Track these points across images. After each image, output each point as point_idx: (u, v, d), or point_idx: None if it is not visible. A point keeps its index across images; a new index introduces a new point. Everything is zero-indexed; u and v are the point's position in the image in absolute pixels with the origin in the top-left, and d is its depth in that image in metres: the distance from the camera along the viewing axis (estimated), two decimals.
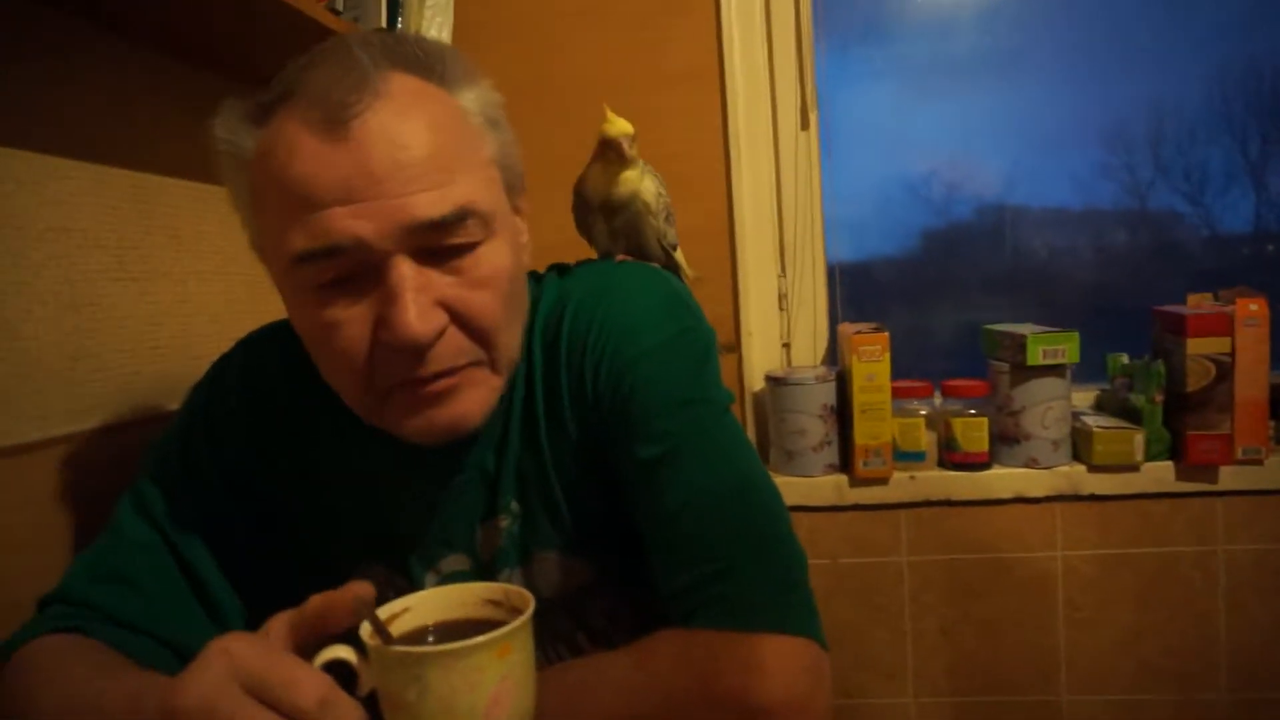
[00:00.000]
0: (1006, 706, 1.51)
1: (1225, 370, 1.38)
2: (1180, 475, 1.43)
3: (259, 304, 1.23)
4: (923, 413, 1.48)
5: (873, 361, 1.43)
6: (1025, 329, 1.44)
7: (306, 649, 0.52)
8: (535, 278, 0.83)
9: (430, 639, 0.56)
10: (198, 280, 1.13)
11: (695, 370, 0.75)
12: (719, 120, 1.55)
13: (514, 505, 0.77)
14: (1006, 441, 1.47)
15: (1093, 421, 1.48)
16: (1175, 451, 1.43)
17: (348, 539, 0.81)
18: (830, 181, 1.67)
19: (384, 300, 0.64)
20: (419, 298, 0.63)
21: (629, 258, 0.90)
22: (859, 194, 1.75)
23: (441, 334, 0.65)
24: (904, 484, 1.48)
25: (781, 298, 1.64)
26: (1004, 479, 1.46)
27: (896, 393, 1.46)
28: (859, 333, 1.44)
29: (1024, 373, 1.42)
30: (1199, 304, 1.46)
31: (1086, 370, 1.55)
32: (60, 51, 0.93)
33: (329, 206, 0.62)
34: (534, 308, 0.79)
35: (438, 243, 0.65)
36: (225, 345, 0.89)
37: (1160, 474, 1.43)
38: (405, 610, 0.57)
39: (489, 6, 1.58)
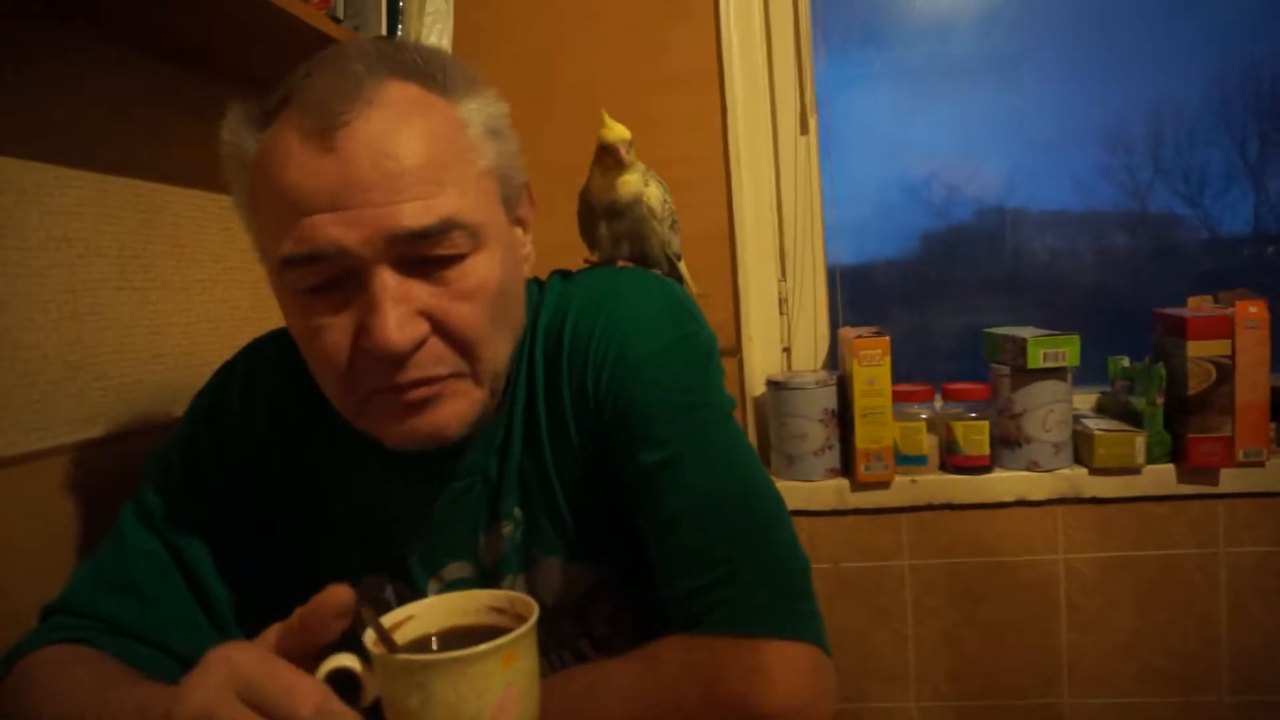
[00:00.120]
0: (1008, 710, 1.51)
1: (1226, 373, 1.38)
2: (1181, 478, 1.43)
3: (261, 312, 1.24)
4: (924, 416, 1.49)
5: (873, 366, 1.43)
6: (1026, 332, 1.45)
7: (296, 658, 0.52)
8: (537, 284, 0.83)
9: (434, 647, 0.56)
10: (200, 289, 1.13)
11: (697, 375, 0.76)
12: (719, 125, 1.56)
13: (517, 512, 0.77)
14: (1008, 445, 1.47)
15: (1094, 424, 1.48)
16: (1176, 454, 1.44)
17: (351, 546, 0.81)
18: (830, 185, 1.67)
19: (365, 308, 0.64)
20: (399, 307, 0.64)
21: (631, 263, 0.90)
22: (859, 197, 1.75)
23: (422, 344, 0.66)
24: (905, 488, 1.48)
25: (782, 302, 1.64)
26: (1005, 482, 1.46)
27: (897, 396, 1.46)
28: (859, 337, 1.44)
29: (1025, 376, 1.43)
30: (1199, 306, 1.46)
31: (1087, 373, 1.55)
32: (62, 60, 0.93)
33: (315, 213, 0.63)
34: (536, 314, 0.79)
35: (422, 253, 0.65)
36: (227, 353, 0.89)
37: (1161, 477, 1.44)
38: (409, 618, 0.57)
39: (489, 12, 1.58)
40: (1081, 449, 1.47)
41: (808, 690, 0.64)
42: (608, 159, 0.86)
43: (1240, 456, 1.40)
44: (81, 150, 0.95)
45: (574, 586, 0.78)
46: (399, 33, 1.16)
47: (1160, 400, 1.42)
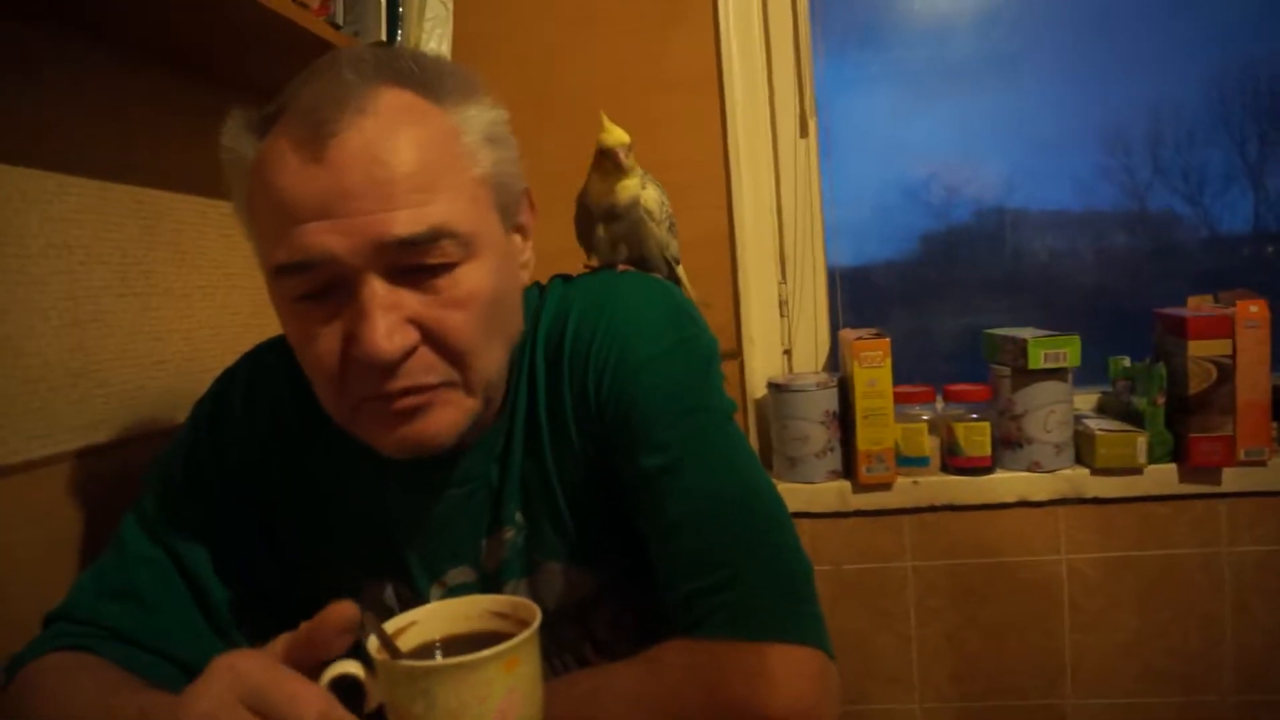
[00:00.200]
0: (1012, 711, 1.51)
1: (1226, 372, 1.38)
2: (1183, 477, 1.43)
3: (262, 318, 1.24)
4: (925, 418, 1.49)
5: (874, 367, 1.43)
6: (1026, 333, 1.45)
7: (302, 669, 0.52)
8: (538, 289, 0.83)
9: (437, 653, 0.56)
10: (201, 295, 1.13)
11: (698, 379, 0.76)
12: (718, 128, 1.56)
13: (518, 516, 0.77)
14: (1009, 445, 1.47)
15: (1095, 424, 1.48)
16: (1177, 454, 1.44)
17: (353, 552, 0.81)
18: (830, 186, 1.67)
19: (355, 316, 0.64)
20: (388, 315, 0.64)
21: (631, 268, 0.90)
22: (859, 198, 1.75)
23: (412, 352, 0.66)
24: (907, 489, 1.48)
25: (782, 304, 1.64)
26: (1007, 483, 1.46)
27: (898, 398, 1.46)
28: (860, 339, 1.44)
29: (1025, 376, 1.43)
30: (1199, 306, 1.46)
31: (1088, 373, 1.55)
32: (63, 67, 0.93)
33: (306, 221, 0.63)
34: (537, 318, 0.79)
35: (412, 261, 0.65)
36: (228, 359, 0.89)
37: (1163, 476, 1.44)
38: (412, 624, 0.57)
39: (488, 17, 1.59)
40: (1083, 449, 1.47)
41: (812, 693, 0.64)
42: (607, 163, 0.86)
43: (1242, 456, 1.40)
44: (82, 157, 0.95)
45: (576, 591, 0.78)
46: (398, 38, 1.16)
47: (1161, 400, 1.42)
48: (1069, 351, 1.40)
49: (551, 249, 0.93)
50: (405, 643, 0.55)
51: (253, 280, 1.22)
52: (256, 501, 0.82)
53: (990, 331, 1.54)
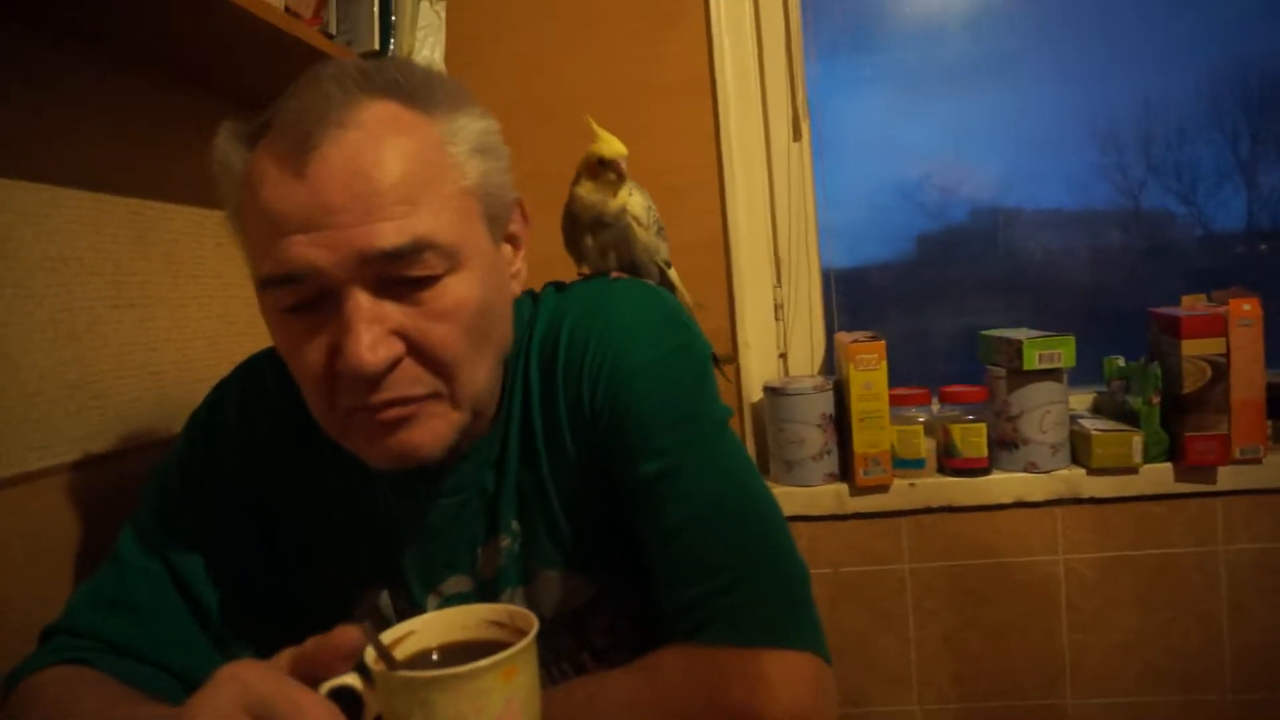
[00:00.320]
0: (1012, 711, 1.51)
1: (1221, 371, 1.38)
2: (1179, 476, 1.43)
3: (256, 326, 1.23)
4: (921, 420, 1.49)
5: (869, 370, 1.43)
6: (1021, 334, 1.45)
7: (305, 683, 0.52)
8: (531, 297, 0.83)
9: (435, 662, 0.56)
10: (196, 305, 1.13)
11: (692, 385, 0.76)
12: (711, 133, 1.57)
13: (514, 525, 0.77)
14: (1005, 446, 1.47)
15: (1090, 425, 1.48)
16: (1173, 453, 1.44)
17: (349, 561, 0.81)
18: (824, 188, 1.68)
19: (340, 329, 0.65)
20: (372, 328, 0.64)
21: (624, 274, 0.90)
22: (853, 200, 1.75)
23: (396, 364, 0.66)
24: (904, 491, 1.48)
25: (777, 308, 1.65)
26: (1004, 484, 1.47)
27: (894, 400, 1.46)
28: (855, 341, 1.44)
29: (1021, 377, 1.43)
30: (1193, 305, 1.47)
31: (1083, 373, 1.56)
32: (55, 79, 0.93)
33: (290, 234, 0.63)
34: (530, 326, 0.80)
35: (396, 274, 0.65)
36: (224, 369, 0.89)
37: (1159, 476, 1.44)
38: (409, 634, 0.57)
39: (481, 24, 1.59)
40: (1079, 449, 1.47)
41: (809, 699, 0.64)
42: (607, 174, 0.86)
43: (1237, 454, 1.40)
44: (76, 168, 0.95)
45: (573, 598, 0.78)
46: (391, 46, 1.16)
47: (1156, 399, 1.43)
48: (1064, 352, 1.41)
49: (545, 254, 0.93)
50: (402, 653, 0.55)
51: (248, 289, 1.21)
52: (253, 511, 0.82)
53: (986, 333, 1.54)
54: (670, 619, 0.70)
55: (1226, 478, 1.42)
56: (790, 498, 1.49)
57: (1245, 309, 1.37)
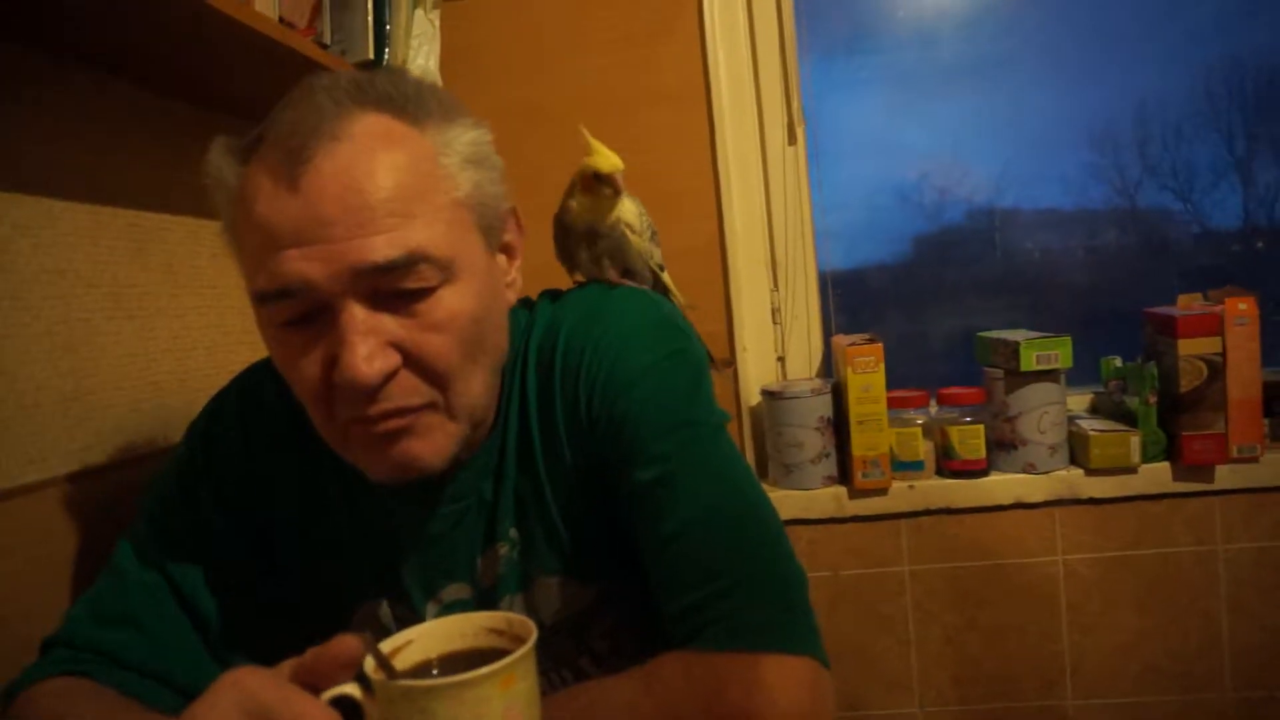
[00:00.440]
0: (1013, 713, 1.51)
1: (1217, 370, 1.39)
2: (1177, 476, 1.44)
3: (253, 336, 1.23)
4: (919, 422, 1.49)
5: (867, 373, 1.43)
6: (1018, 335, 1.45)
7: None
8: (527, 305, 0.84)
9: (434, 671, 0.56)
10: (194, 315, 1.14)
11: (689, 391, 0.76)
12: (707, 139, 1.57)
13: (513, 532, 0.78)
14: (1003, 448, 1.48)
15: (1088, 425, 1.48)
16: (1171, 452, 1.44)
17: (349, 570, 0.81)
18: (821, 191, 1.68)
19: (335, 342, 0.65)
20: (368, 340, 0.64)
21: (623, 280, 0.90)
22: (850, 202, 1.76)
23: (393, 376, 0.66)
24: (903, 493, 1.49)
25: (775, 312, 1.65)
26: (1002, 485, 1.47)
27: (892, 403, 1.47)
28: (853, 344, 1.44)
29: (1018, 379, 1.43)
30: (1189, 305, 1.47)
31: (1080, 374, 1.56)
32: (50, 92, 0.93)
33: (284, 249, 0.63)
34: (526, 335, 0.80)
35: (390, 286, 0.65)
36: (222, 379, 0.90)
37: (1157, 475, 1.44)
38: (408, 643, 0.57)
39: (476, 33, 1.59)
40: (1077, 450, 1.47)
41: (807, 703, 0.65)
42: (604, 189, 0.85)
43: (1234, 453, 1.40)
44: (73, 181, 0.96)
45: (572, 604, 0.78)
46: (385, 56, 1.17)
47: (1153, 399, 1.43)
48: (1061, 353, 1.41)
49: (541, 263, 0.93)
50: (402, 662, 0.55)
51: (244, 299, 1.20)
52: (253, 519, 0.82)
53: (983, 334, 1.54)
54: (668, 624, 0.70)
55: (1224, 477, 1.42)
56: (789, 501, 1.49)
57: (1241, 308, 1.37)
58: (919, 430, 1.48)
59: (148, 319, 1.05)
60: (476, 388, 0.71)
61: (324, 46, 1.12)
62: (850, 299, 1.75)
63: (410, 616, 0.79)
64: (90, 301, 0.97)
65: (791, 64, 1.60)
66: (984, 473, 1.48)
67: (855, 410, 1.44)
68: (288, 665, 0.54)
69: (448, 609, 0.79)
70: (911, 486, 1.48)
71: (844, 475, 1.51)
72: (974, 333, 1.58)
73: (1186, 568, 1.46)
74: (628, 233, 0.87)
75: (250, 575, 0.82)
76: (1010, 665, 1.51)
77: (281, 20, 1.02)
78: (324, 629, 0.56)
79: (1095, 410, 1.63)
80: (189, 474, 0.82)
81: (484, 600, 0.79)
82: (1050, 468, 1.45)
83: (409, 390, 0.67)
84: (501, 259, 0.77)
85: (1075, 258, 1.78)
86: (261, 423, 0.83)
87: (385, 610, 0.81)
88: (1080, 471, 1.46)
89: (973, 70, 1.72)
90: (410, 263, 0.64)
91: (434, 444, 0.69)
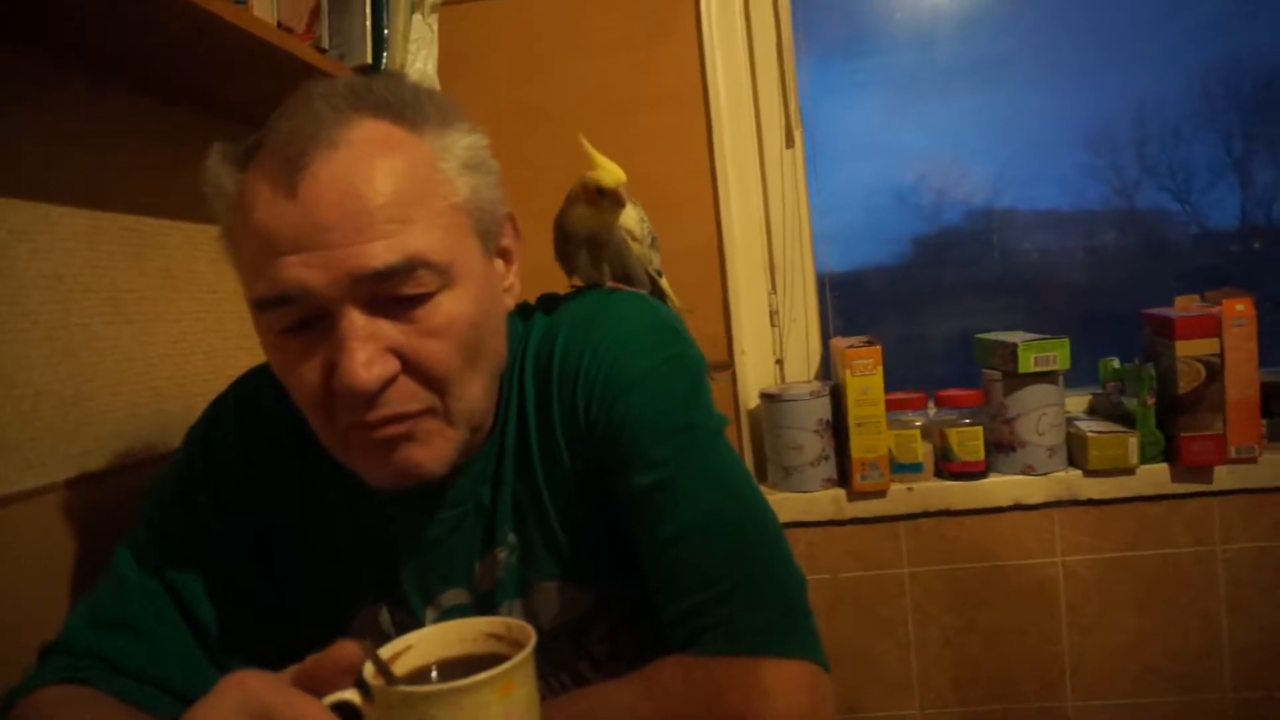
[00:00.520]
0: (1013, 714, 1.51)
1: (1215, 371, 1.39)
2: (1175, 477, 1.44)
3: (251, 340, 1.22)
4: (918, 424, 1.49)
5: (866, 375, 1.43)
6: (1016, 337, 1.46)
7: None
8: (524, 310, 0.84)
9: (434, 677, 0.56)
10: (192, 319, 1.14)
11: (687, 396, 0.76)
12: (704, 142, 1.57)
13: (511, 537, 0.78)
14: (1002, 449, 1.48)
15: (1086, 426, 1.49)
16: (1169, 453, 1.45)
17: (347, 575, 0.81)
18: (819, 192, 1.68)
19: (334, 348, 0.65)
20: (367, 346, 0.64)
21: (619, 285, 0.90)
22: (848, 204, 1.76)
23: (391, 381, 0.66)
24: (902, 495, 1.49)
25: (773, 314, 1.65)
26: (1001, 487, 1.47)
27: (891, 405, 1.47)
28: (851, 347, 1.45)
29: (1016, 380, 1.43)
30: (1187, 306, 1.47)
31: (1078, 375, 1.56)
32: (51, 97, 0.94)
33: (282, 255, 0.63)
34: (525, 339, 0.80)
35: (389, 292, 0.65)
36: (220, 383, 0.89)
37: (1155, 476, 1.44)
38: (407, 649, 0.57)
39: (474, 37, 1.59)
40: (1075, 451, 1.48)
41: (806, 707, 0.65)
42: (606, 201, 0.84)
43: (1232, 453, 1.40)
44: (72, 186, 0.96)
45: (571, 609, 0.78)
46: (384, 60, 1.17)
47: (1151, 400, 1.43)
48: (1059, 354, 1.41)
49: (538, 265, 0.93)
50: (401, 667, 0.55)
51: (241, 303, 1.21)
52: (251, 525, 0.82)
53: (981, 336, 1.55)
54: (668, 628, 0.70)
55: (1223, 477, 1.43)
56: (788, 504, 1.49)
57: (1238, 309, 1.38)
58: (917, 432, 1.48)
59: (146, 324, 1.05)
60: (475, 393, 0.71)
61: (322, 51, 1.12)
62: (848, 301, 1.75)
63: (409, 622, 0.79)
64: (89, 306, 0.97)
65: (789, 67, 1.61)
66: (983, 474, 1.48)
67: (854, 413, 1.44)
68: (289, 672, 0.54)
69: (446, 614, 0.79)
70: (910, 489, 1.48)
71: (843, 478, 1.51)
72: (972, 334, 1.58)
73: (1185, 568, 1.46)
74: (629, 240, 0.87)
75: (249, 581, 0.81)
76: (1010, 667, 1.51)
77: (280, 25, 1.02)
78: (322, 634, 0.56)
79: (1093, 412, 1.63)
80: (187, 479, 0.82)
81: (482, 605, 0.78)
82: (1049, 469, 1.45)
83: (408, 396, 0.67)
84: (499, 264, 0.77)
85: (1073, 259, 1.78)
86: (260, 427, 0.83)
87: (384, 616, 0.80)
88: (1079, 473, 1.46)
89: (970, 72, 1.73)
90: (409, 268, 0.64)
91: (434, 450, 0.70)
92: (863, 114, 1.76)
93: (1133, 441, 1.42)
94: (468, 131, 0.72)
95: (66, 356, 0.93)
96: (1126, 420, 1.48)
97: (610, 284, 0.88)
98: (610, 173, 0.83)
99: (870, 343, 1.46)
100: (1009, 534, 1.49)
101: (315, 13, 1.11)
